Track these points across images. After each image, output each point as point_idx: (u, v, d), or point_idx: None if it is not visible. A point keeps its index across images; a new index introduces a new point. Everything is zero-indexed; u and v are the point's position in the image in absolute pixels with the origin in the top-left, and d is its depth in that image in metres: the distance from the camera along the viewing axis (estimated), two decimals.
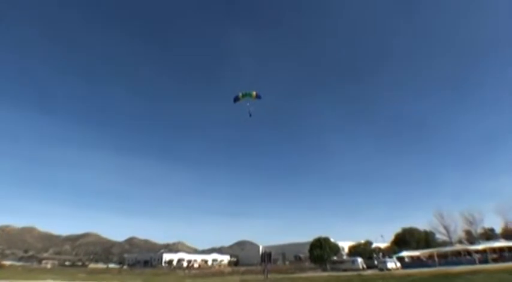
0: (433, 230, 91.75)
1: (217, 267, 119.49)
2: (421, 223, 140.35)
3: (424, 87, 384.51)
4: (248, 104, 35.43)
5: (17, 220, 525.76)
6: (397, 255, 72.85)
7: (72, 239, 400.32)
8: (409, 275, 40.79)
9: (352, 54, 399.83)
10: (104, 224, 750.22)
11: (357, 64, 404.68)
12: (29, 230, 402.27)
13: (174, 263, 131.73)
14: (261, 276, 55.03)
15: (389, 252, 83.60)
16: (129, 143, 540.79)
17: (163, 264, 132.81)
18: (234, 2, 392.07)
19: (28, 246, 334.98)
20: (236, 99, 35.39)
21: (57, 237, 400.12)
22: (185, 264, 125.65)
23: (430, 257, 69.06)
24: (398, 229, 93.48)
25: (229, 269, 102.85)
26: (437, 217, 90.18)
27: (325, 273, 63.10)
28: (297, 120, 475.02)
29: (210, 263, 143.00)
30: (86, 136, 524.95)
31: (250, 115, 35.41)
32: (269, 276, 53.82)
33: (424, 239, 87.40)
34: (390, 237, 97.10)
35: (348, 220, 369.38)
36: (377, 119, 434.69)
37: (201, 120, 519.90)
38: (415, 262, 69.73)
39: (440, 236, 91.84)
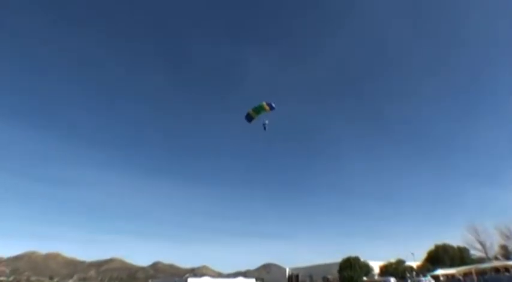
0: (467, 246, 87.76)
1: None
2: (454, 239, 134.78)
3: (445, 102, 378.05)
4: (266, 122, 33.05)
5: (41, 246, 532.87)
6: (431, 273, 69.81)
7: (97, 265, 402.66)
8: None
9: (371, 69, 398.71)
10: (128, 249, 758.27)
11: (377, 82, 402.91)
12: (54, 256, 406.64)
13: None
14: None
15: (422, 270, 79.93)
16: (153, 166, 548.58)
17: None
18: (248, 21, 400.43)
19: (53, 273, 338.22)
20: (249, 117, 32.33)
21: (82, 263, 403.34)
22: None
23: (466, 274, 65.84)
24: (429, 246, 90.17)
25: None
26: (471, 232, 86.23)
27: None
28: (318, 139, 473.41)
29: None
30: (110, 160, 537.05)
31: (265, 128, 32.87)
32: None
33: (459, 256, 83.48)
34: (422, 255, 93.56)
35: (376, 239, 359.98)
36: (400, 137, 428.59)
37: (221, 141, 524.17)
38: (451, 280, 66.51)
39: (475, 252, 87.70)
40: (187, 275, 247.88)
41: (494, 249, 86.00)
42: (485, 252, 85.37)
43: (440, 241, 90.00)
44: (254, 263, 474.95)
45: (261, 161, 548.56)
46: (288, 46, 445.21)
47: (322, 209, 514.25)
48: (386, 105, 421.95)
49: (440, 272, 70.94)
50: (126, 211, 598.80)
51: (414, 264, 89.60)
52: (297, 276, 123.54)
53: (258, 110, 31.81)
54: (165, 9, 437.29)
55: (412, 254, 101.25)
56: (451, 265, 77.02)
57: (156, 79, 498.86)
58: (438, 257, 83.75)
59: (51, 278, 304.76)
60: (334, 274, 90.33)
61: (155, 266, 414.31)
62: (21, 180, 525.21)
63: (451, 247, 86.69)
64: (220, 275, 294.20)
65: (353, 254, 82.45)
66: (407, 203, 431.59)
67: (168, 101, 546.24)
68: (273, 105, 31.84)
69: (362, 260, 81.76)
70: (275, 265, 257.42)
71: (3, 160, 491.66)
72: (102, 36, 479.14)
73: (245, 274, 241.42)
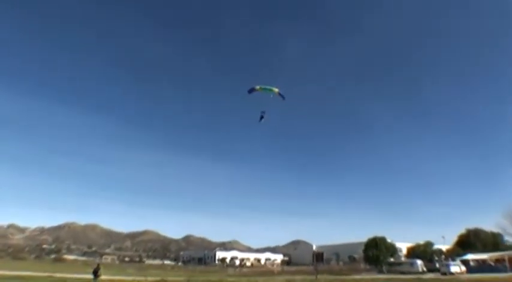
0: (501, 232, 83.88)
1: (269, 266, 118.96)
2: (487, 224, 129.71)
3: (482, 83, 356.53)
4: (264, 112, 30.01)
5: (80, 217, 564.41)
6: (461, 258, 67.36)
7: (133, 236, 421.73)
8: (479, 281, 36.69)
9: (409, 48, 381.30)
10: (162, 222, 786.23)
11: (413, 59, 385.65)
12: (92, 227, 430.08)
13: (227, 261, 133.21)
14: (310, 277, 53.22)
15: (451, 254, 77.36)
16: (187, 142, 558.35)
17: (216, 262, 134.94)
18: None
19: (91, 242, 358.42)
20: (252, 90, 29.61)
21: (119, 234, 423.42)
22: (237, 262, 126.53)
23: (499, 260, 63.06)
24: (460, 230, 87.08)
25: (279, 268, 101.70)
26: (507, 218, 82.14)
27: (382, 276, 59.71)
28: (350, 117, 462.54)
29: (262, 262, 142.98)
30: (146, 136, 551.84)
31: (262, 118, 30.04)
32: (319, 277, 51.81)
33: (492, 242, 79.97)
34: (452, 238, 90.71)
35: (406, 220, 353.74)
36: (435, 116, 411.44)
37: (253, 120, 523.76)
38: (482, 266, 63.78)
39: (509, 238, 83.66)
40: (217, 248, 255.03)
41: None
42: None
43: (473, 225, 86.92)
44: (284, 239, 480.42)
45: (293, 139, 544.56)
46: (325, 24, 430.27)
47: (353, 189, 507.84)
48: (426, 85, 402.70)
49: (470, 256, 68.39)
50: (160, 185, 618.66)
51: (443, 247, 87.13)
52: (322, 254, 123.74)
53: (267, 89, 29.70)
54: None
55: (443, 237, 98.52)
56: (483, 250, 73.92)
57: (194, 61, 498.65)
58: (469, 241, 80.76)
59: (89, 247, 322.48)
60: (360, 253, 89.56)
61: (187, 239, 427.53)
62: (63, 158, 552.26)
63: (484, 232, 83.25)
64: (249, 250, 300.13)
65: (380, 234, 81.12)
66: (440, 185, 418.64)
67: (204, 82, 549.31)
68: (284, 96, 29.88)
69: (389, 240, 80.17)
70: (304, 242, 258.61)
71: (53, 141, 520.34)
72: (140, 20, 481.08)
73: (274, 250, 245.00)
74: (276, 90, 29.64)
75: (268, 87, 29.77)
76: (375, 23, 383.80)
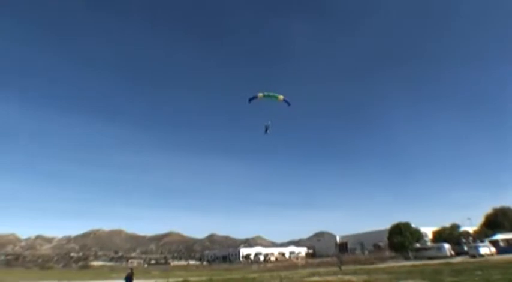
0: None
1: (293, 260, 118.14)
2: None
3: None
4: (269, 123, 29.18)
5: (105, 224, 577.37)
6: (489, 239, 65.28)
7: (157, 239, 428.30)
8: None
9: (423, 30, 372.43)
10: (185, 223, 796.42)
11: (432, 47, 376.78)
12: (117, 233, 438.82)
13: (252, 257, 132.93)
14: (334, 269, 52.26)
15: (479, 236, 74.93)
16: (203, 143, 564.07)
17: (240, 259, 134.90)
18: None
19: (117, 247, 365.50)
20: (253, 98, 28.32)
21: (143, 237, 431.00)
22: (262, 258, 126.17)
23: None
24: (486, 211, 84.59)
25: (303, 261, 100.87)
26: None
27: (408, 263, 58.12)
28: (366, 106, 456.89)
29: (287, 255, 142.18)
30: (163, 139, 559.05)
31: (266, 130, 29.18)
32: (344, 268, 50.80)
33: None
34: (478, 220, 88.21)
35: (429, 205, 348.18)
36: (453, 99, 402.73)
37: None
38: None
39: None
40: (241, 245, 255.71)
41: None
42: None
43: (500, 205, 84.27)
44: (307, 232, 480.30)
45: (312, 132, 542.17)
46: (335, 16, 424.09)
47: (374, 178, 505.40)
48: (445, 71, 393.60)
49: (500, 236, 66.20)
50: (181, 188, 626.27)
51: (470, 229, 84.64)
52: (346, 244, 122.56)
53: (270, 96, 28.47)
54: None
55: (469, 218, 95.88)
56: None
57: (200, 57, 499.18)
58: (497, 221, 78.41)
59: (115, 252, 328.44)
60: (385, 241, 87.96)
61: (211, 238, 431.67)
62: (83, 167, 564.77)
63: None
64: (273, 245, 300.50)
65: (404, 220, 79.35)
66: (461, 168, 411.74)
67: (214, 79, 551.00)
68: (289, 102, 28.74)
69: (413, 225, 78.34)
70: (328, 233, 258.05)
71: (73, 151, 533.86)
72: (144, 22, 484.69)
73: (298, 243, 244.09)
74: (281, 97, 28.56)
75: (271, 94, 28.63)
76: (387, 12, 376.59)
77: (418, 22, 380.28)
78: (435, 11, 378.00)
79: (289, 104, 28.85)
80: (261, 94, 28.24)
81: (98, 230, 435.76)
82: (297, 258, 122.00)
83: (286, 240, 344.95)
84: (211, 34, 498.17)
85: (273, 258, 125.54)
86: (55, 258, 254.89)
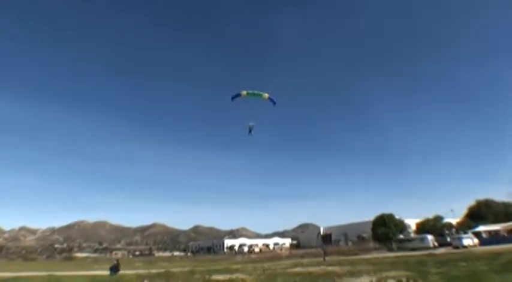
0: None
1: (278, 251, 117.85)
2: (497, 195, 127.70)
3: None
4: (252, 124, 28.35)
5: (90, 215, 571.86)
6: (472, 230, 65.54)
7: (142, 230, 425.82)
8: (495, 253, 34.42)
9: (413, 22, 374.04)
10: (169, 214, 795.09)
11: (416, 41, 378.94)
12: (102, 224, 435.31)
13: (236, 248, 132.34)
14: (318, 259, 51.53)
15: (462, 227, 75.33)
16: (188, 136, 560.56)
17: (225, 250, 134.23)
18: None
19: (102, 239, 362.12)
20: (236, 95, 27.38)
21: (128, 229, 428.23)
22: (246, 249, 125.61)
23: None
24: (470, 203, 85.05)
25: (288, 252, 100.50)
26: None
27: (392, 254, 57.82)
28: (350, 96, 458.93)
29: (271, 247, 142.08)
30: (147, 132, 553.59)
31: (250, 131, 28.47)
32: (327, 258, 50.02)
33: (503, 212, 77.81)
34: (461, 212, 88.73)
35: (413, 197, 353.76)
36: (438, 91, 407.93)
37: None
38: (495, 238, 61.84)
39: None
40: (226, 236, 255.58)
41: None
42: None
43: (482, 197, 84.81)
44: (292, 224, 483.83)
45: (295, 125, 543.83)
46: (322, 8, 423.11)
47: (359, 171, 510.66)
48: (428, 64, 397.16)
49: (482, 228, 66.56)
50: (165, 179, 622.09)
51: (453, 221, 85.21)
52: (330, 235, 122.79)
53: (255, 94, 27.58)
54: None
55: (452, 210, 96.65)
56: (495, 221, 72.08)
57: (190, 52, 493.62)
58: (480, 213, 78.85)
59: (100, 243, 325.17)
60: (368, 232, 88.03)
61: (196, 230, 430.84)
62: (68, 158, 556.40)
63: (495, 203, 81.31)
64: (258, 236, 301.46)
65: (388, 212, 79.28)
66: (445, 160, 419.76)
67: (202, 74, 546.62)
68: (275, 101, 28.00)
69: (397, 217, 78.34)
70: (312, 225, 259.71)
71: (57, 142, 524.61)
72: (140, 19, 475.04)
73: (282, 234, 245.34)
74: (266, 95, 27.66)
75: (256, 92, 27.70)
76: (374, 6, 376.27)
77: (409, 15, 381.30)
78: (426, 4, 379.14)
79: (274, 103, 28.03)
80: (244, 92, 27.26)
81: (82, 222, 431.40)
82: (281, 250, 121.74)
83: (270, 231, 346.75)
84: (197, 26, 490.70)
85: (257, 250, 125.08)
86: (39, 250, 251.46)
